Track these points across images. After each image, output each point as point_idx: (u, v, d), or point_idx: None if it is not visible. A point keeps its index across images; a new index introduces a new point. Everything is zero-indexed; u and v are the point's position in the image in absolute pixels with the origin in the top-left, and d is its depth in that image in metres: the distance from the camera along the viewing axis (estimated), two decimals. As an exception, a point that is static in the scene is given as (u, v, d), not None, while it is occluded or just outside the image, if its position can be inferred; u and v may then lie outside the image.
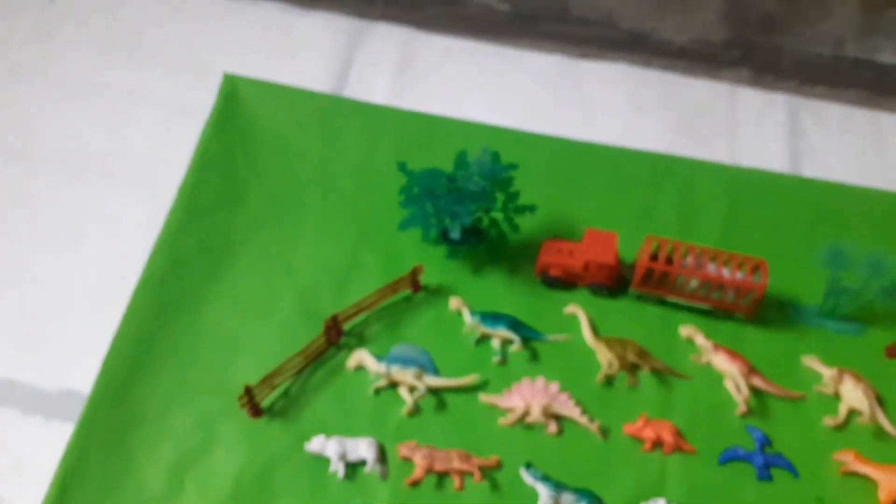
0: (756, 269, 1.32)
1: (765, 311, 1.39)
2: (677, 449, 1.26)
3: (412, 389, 1.29)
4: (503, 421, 1.27)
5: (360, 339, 1.35)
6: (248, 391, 1.21)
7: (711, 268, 1.32)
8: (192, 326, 1.34)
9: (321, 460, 1.22)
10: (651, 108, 1.68)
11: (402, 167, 1.34)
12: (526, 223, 1.44)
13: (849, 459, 1.24)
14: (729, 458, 1.26)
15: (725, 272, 1.32)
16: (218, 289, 1.38)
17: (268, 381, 1.24)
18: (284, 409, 1.28)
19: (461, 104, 1.64)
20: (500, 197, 1.38)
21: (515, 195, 1.38)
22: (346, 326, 1.35)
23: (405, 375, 1.28)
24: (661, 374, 1.33)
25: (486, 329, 1.35)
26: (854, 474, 1.24)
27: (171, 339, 1.33)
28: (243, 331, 1.34)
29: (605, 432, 1.27)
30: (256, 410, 1.26)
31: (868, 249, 1.30)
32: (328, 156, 1.53)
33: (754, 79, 1.73)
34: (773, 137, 1.65)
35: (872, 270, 1.29)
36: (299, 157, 1.53)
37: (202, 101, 1.59)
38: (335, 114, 1.58)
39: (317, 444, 1.22)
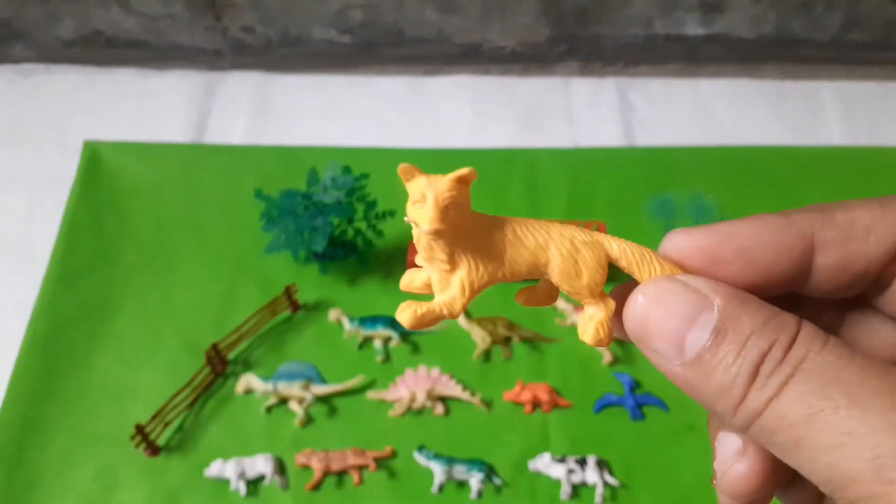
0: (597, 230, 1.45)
1: (616, 271, 1.52)
2: (555, 405, 1.36)
3: (301, 401, 1.35)
4: (392, 413, 1.35)
5: (247, 365, 1.41)
6: (140, 429, 1.25)
7: (558, 237, 1.44)
8: (81, 383, 1.37)
9: (223, 483, 1.27)
10: (494, 111, 1.82)
11: (258, 194, 1.42)
12: (392, 229, 1.54)
13: (708, 385, 1.37)
14: (603, 405, 1.37)
15: (571, 239, 1.44)
16: (102, 344, 1.42)
17: (159, 417, 1.29)
18: (181, 443, 1.32)
19: (318, 134, 1.75)
20: (360, 207, 1.48)
21: (374, 203, 1.48)
22: (231, 355, 1.41)
23: (292, 389, 1.35)
24: (531, 342, 1.43)
25: (365, 332, 1.43)
26: (716, 397, 1.36)
27: (61, 398, 1.36)
28: (132, 378, 1.38)
29: (487, 404, 1.36)
30: (153, 449, 1.30)
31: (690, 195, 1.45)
32: (194, 201, 1.60)
33: (583, 68, 1.89)
34: (606, 118, 1.81)
35: (696, 211, 1.44)
36: (167, 208, 1.59)
37: (68, 172, 1.64)
38: (197, 161, 1.66)
39: (215, 468, 1.27)
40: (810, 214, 0.34)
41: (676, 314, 0.34)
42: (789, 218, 0.34)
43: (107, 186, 1.62)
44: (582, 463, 1.29)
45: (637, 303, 0.37)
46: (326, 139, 1.73)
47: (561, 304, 1.46)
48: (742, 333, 0.31)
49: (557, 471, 1.28)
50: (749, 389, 0.31)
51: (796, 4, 1.78)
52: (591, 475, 1.28)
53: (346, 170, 1.44)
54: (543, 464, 1.29)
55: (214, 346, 1.35)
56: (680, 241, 0.38)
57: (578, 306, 1.46)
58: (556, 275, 0.41)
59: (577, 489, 1.28)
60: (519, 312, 1.46)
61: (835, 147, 1.73)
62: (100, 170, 1.64)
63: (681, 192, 1.43)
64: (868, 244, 0.32)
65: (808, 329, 0.31)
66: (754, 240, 0.34)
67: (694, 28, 1.87)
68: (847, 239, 0.33)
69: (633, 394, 1.38)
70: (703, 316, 0.32)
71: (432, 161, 1.69)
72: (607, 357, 1.40)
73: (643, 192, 1.57)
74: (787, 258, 0.34)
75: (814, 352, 0.30)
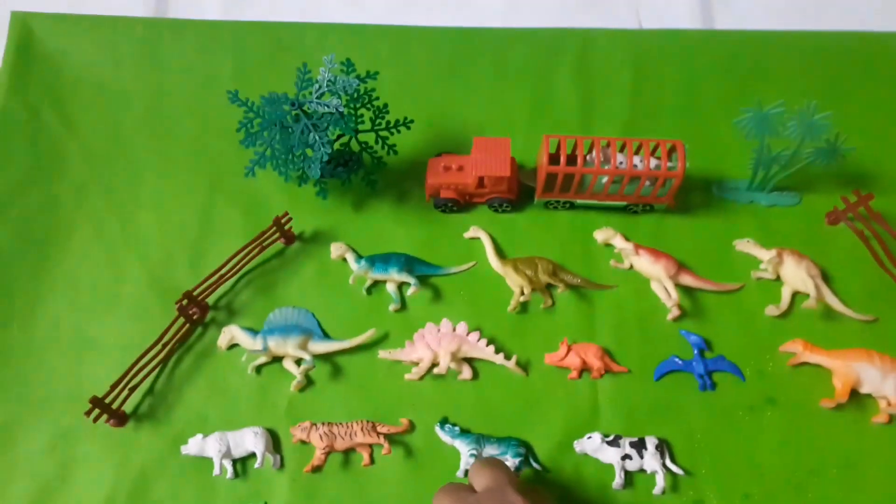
0: (672, 152, 1.13)
1: (688, 196, 1.22)
2: (607, 371, 1.11)
3: (299, 361, 1.10)
4: (409, 377, 1.10)
5: (230, 312, 1.15)
6: (97, 402, 1.01)
7: (621, 159, 1.13)
8: (26, 333, 1.12)
9: (205, 462, 1.05)
10: (538, -25, 1.42)
11: (233, 97, 1.09)
12: (406, 140, 1.22)
13: (797, 349, 1.11)
14: (665, 371, 1.12)
15: (637, 162, 1.13)
16: (51, 282, 1.15)
17: (123, 383, 1.04)
18: (153, 411, 1.09)
19: (312, 6, 1.37)
20: (367, 114, 1.15)
21: (384, 109, 1.15)
22: (211, 299, 1.14)
23: (287, 346, 1.09)
24: (580, 290, 1.16)
25: (376, 275, 1.15)
26: (805, 365, 1.11)
27: (2, 353, 1.11)
28: (90, 326, 1.13)
29: (524, 367, 1.11)
30: (119, 418, 1.07)
31: (795, 104, 1.11)
32: (157, 93, 1.27)
33: (653, -80, 1.46)
34: (680, -11, 1.42)
35: (804, 132, 1.11)
36: (122, 101, 1.27)
37: (-4, 52, 1.29)
38: (158, 40, 1.30)
39: (194, 445, 1.04)
40: None
41: None
42: None
43: (44, 75, 1.27)
44: (639, 446, 1.06)
45: None
46: (322, 14, 1.35)
47: (619, 242, 1.17)
48: None
49: (609, 455, 1.05)
50: None
51: None
52: (651, 462, 1.05)
53: (349, 65, 1.09)
54: (592, 446, 1.06)
55: (188, 294, 1.08)
56: None
57: (638, 245, 1.17)
58: None
59: (632, 476, 1.06)
60: (566, 253, 1.18)
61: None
62: (33, 52, 1.28)
63: (784, 102, 1.09)
64: None
65: None
66: None
67: None
68: None
69: (702, 358, 1.12)
70: None
71: (462, 45, 1.32)
72: (673, 312, 1.13)
73: (731, 93, 1.23)
74: None
75: None
